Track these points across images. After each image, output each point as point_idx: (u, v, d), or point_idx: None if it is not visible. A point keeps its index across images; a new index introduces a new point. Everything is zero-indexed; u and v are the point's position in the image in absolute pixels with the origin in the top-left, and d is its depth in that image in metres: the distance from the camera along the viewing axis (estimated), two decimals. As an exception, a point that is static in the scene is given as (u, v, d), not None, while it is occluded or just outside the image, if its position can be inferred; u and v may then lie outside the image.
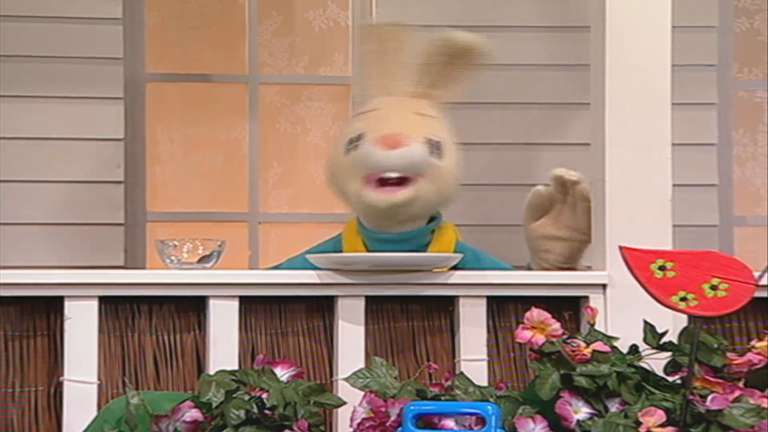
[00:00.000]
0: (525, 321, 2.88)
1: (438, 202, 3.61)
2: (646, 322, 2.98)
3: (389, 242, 3.55)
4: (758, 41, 4.86)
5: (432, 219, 3.67)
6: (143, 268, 4.37)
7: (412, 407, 2.70)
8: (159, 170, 4.58)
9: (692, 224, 4.16)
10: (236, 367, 3.14)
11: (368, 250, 3.60)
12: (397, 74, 3.59)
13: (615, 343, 2.93)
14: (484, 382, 3.16)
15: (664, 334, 2.99)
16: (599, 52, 3.40)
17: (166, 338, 3.27)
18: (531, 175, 4.40)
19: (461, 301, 3.34)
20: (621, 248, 2.89)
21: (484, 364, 3.32)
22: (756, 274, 2.84)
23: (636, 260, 2.87)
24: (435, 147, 3.52)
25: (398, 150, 3.44)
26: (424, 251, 3.61)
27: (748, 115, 4.88)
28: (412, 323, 3.38)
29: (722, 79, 4.73)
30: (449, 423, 2.72)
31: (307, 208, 4.80)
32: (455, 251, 3.60)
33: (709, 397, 2.77)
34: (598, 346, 2.87)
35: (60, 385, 3.18)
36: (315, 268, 3.32)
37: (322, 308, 3.35)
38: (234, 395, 2.78)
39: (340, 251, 3.65)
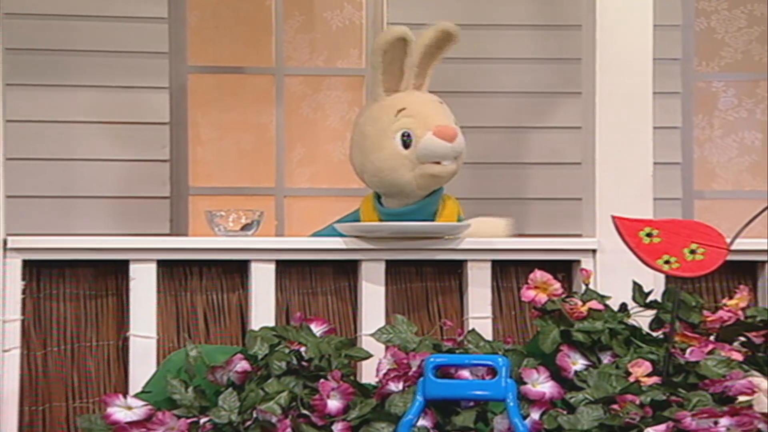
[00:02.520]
0: (529, 282, 2.83)
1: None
2: (634, 283, 2.95)
3: (401, 215, 3.46)
4: (714, 38, 4.82)
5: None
6: (186, 235, 4.33)
7: (432, 359, 2.63)
8: (199, 150, 4.53)
9: (659, 197, 4.07)
10: (274, 323, 3.11)
11: None
12: (405, 72, 3.46)
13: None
14: (489, 338, 3.11)
15: (650, 293, 2.95)
16: (590, 47, 3.36)
17: (214, 297, 3.23)
18: (522, 154, 4.41)
19: (469, 264, 3.30)
20: (613, 217, 2.84)
21: (489, 321, 3.28)
22: (727, 240, 2.80)
23: (626, 228, 2.83)
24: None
25: (456, 140, 3.35)
26: (432, 221, 3.54)
27: (706, 103, 4.84)
28: (426, 284, 3.35)
29: (685, 71, 4.68)
30: (465, 373, 2.65)
31: (326, 184, 4.75)
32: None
33: (688, 350, 2.73)
34: (593, 304, 2.82)
35: (126, 339, 3.14)
36: (341, 236, 3.28)
37: (347, 271, 3.30)
38: (276, 349, 2.73)
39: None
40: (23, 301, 3.07)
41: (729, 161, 4.85)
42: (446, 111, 3.45)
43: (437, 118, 3.39)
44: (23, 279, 3.07)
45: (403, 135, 3.40)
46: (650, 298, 2.95)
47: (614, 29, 3.33)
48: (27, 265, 3.07)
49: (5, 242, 3.04)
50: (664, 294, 2.97)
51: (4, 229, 3.05)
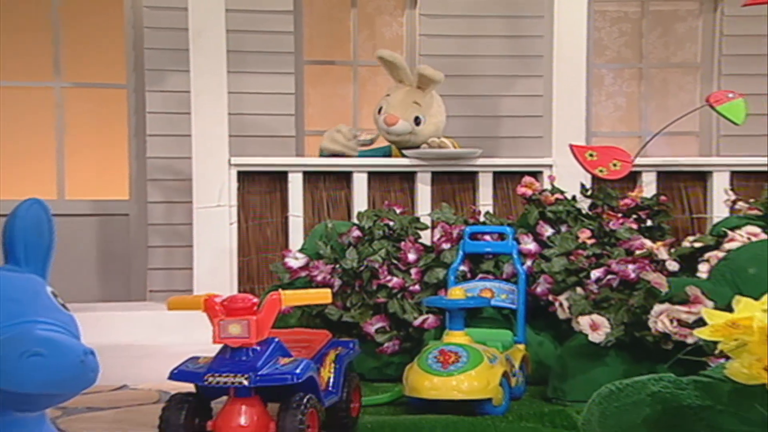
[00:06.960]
0: (522, 182, 2.69)
1: (420, 143, 3.29)
2: (581, 183, 2.83)
3: None
4: (602, 44, 4.60)
5: None
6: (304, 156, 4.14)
7: (468, 229, 2.47)
8: (310, 108, 4.28)
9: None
10: (366, 209, 3.01)
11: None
12: (406, 78, 3.31)
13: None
14: (492, 214, 2.97)
15: (589, 189, 2.82)
16: (549, 48, 3.26)
17: (333, 193, 3.16)
18: (496, 109, 4.12)
19: (479, 174, 3.22)
20: (571, 146, 2.72)
21: (491, 206, 3.20)
22: (632, 158, 2.67)
23: (578, 151, 2.79)
24: (417, 121, 3.25)
25: (393, 127, 3.22)
26: None
27: (598, 81, 4.61)
28: (454, 186, 3.25)
29: (588, 62, 4.38)
30: (487, 237, 2.50)
31: (381, 128, 4.56)
32: None
33: (611, 223, 2.61)
34: (557, 195, 2.66)
35: (286, 218, 3.11)
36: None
37: (408, 178, 3.22)
38: (375, 222, 2.57)
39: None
40: (237, 195, 3.07)
41: (609, 115, 4.70)
42: (410, 107, 3.26)
43: (394, 109, 3.26)
44: (237, 182, 3.07)
45: (378, 108, 3.33)
46: (588, 192, 2.81)
47: (564, 35, 3.21)
48: (239, 174, 3.09)
49: (229, 161, 3.05)
50: (596, 189, 2.85)
51: (229, 152, 3.04)
